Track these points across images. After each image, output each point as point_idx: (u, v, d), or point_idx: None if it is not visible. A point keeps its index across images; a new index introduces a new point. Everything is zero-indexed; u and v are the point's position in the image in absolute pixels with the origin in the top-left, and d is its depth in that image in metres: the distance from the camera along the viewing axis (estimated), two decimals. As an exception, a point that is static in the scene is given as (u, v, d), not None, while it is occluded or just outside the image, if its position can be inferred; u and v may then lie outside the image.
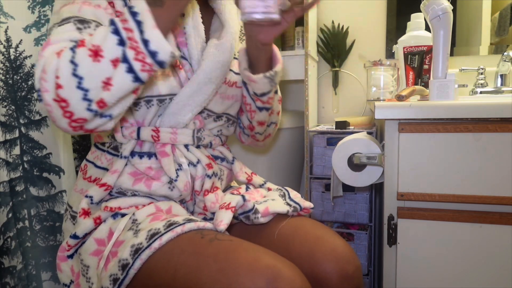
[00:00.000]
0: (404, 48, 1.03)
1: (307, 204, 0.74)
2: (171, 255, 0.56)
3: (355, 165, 0.86)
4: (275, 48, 0.72)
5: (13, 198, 0.93)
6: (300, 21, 1.32)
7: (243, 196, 0.68)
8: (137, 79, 0.52)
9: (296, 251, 0.64)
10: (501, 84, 1.11)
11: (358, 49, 1.45)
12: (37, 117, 0.97)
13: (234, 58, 0.76)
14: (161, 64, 0.52)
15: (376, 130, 1.23)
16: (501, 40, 1.27)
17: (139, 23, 0.50)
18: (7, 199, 0.91)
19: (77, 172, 1.05)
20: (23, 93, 0.94)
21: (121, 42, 0.50)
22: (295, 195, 0.76)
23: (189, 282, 0.53)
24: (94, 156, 0.73)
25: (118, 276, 0.57)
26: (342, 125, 1.20)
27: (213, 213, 0.69)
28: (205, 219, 0.72)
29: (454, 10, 0.76)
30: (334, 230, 1.23)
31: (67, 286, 0.68)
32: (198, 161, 0.69)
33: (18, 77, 0.93)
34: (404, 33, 1.08)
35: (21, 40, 0.92)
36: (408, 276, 0.75)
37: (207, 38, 0.73)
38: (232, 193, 0.75)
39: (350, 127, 1.23)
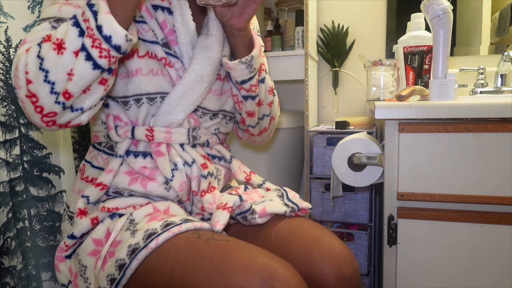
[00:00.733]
0: (404, 48, 1.03)
1: (305, 204, 0.74)
2: (168, 255, 0.56)
3: (355, 165, 0.85)
4: (254, 33, 0.72)
5: (13, 198, 0.93)
6: (300, 21, 1.32)
7: (240, 197, 0.67)
8: (96, 66, 0.53)
9: (293, 252, 0.64)
10: (501, 84, 1.11)
11: (358, 49, 1.45)
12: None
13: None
14: (117, 48, 0.52)
15: (376, 130, 1.22)
16: (501, 40, 1.26)
17: (95, 13, 0.51)
18: (7, 199, 0.91)
19: (77, 172, 1.05)
20: (22, 93, 0.94)
21: (81, 33, 0.52)
22: (293, 195, 0.76)
23: (186, 282, 0.53)
24: (91, 156, 0.73)
25: (115, 276, 0.57)
26: (342, 125, 1.20)
27: (211, 214, 0.69)
28: (203, 219, 0.72)
29: (454, 10, 0.76)
30: (334, 230, 1.24)
31: (65, 287, 0.68)
32: (194, 161, 0.69)
33: (18, 77, 0.93)
34: (404, 33, 1.08)
35: (21, 40, 0.92)
36: (408, 276, 0.75)
37: (199, 35, 0.72)
38: (230, 193, 0.75)
39: (350, 127, 1.23)
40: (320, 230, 0.67)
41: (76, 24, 0.52)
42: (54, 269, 0.68)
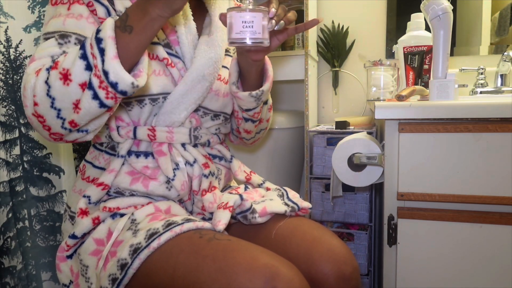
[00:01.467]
0: (404, 48, 1.03)
1: (305, 204, 0.74)
2: (170, 254, 0.56)
3: (355, 165, 0.86)
4: (267, 62, 0.72)
5: (13, 198, 0.93)
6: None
7: (241, 196, 0.68)
8: (103, 105, 0.54)
9: (293, 252, 0.64)
10: (501, 84, 1.11)
11: (358, 49, 1.45)
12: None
13: (227, 54, 0.76)
14: (123, 93, 0.53)
15: (376, 130, 1.23)
16: (501, 40, 1.26)
17: (102, 51, 0.50)
18: (7, 199, 0.91)
19: (77, 172, 1.05)
20: (23, 93, 0.94)
21: (88, 67, 0.52)
22: (293, 195, 0.76)
23: (188, 281, 0.53)
24: (92, 156, 0.73)
25: (117, 276, 0.57)
26: (342, 125, 1.20)
27: (212, 213, 0.69)
28: (204, 219, 0.72)
29: (454, 10, 0.76)
30: (334, 230, 1.24)
31: (66, 287, 0.68)
32: (195, 161, 0.69)
33: (18, 77, 0.93)
34: (404, 33, 1.08)
35: (21, 40, 0.92)
36: (408, 276, 0.75)
37: (200, 35, 0.72)
38: (231, 193, 0.75)
39: (350, 127, 1.23)
40: (320, 230, 0.67)
41: (84, 56, 0.52)
42: (54, 269, 0.68)
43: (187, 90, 0.67)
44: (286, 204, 0.72)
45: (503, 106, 0.66)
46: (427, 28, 0.94)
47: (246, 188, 0.81)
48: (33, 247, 0.98)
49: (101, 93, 0.52)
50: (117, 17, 0.53)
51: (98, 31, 0.52)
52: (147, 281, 0.57)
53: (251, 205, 0.68)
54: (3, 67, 0.90)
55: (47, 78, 0.54)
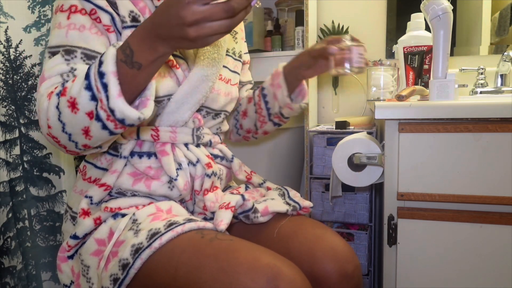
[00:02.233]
0: (404, 48, 1.03)
1: (307, 203, 0.74)
2: (172, 254, 0.56)
3: (355, 165, 0.86)
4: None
5: (13, 198, 0.93)
6: (300, 21, 1.32)
7: (242, 196, 0.68)
8: (112, 133, 0.54)
9: (295, 250, 0.64)
10: (501, 84, 1.11)
11: (358, 49, 1.45)
12: (37, 117, 0.97)
13: (227, 54, 0.77)
14: (132, 125, 0.53)
15: (376, 130, 1.23)
16: (501, 40, 1.27)
17: (105, 86, 0.50)
18: (7, 199, 0.91)
19: (77, 172, 1.05)
20: (23, 93, 0.94)
21: (93, 98, 0.52)
22: (294, 194, 0.77)
23: (190, 281, 0.53)
24: (94, 156, 0.73)
25: (119, 276, 0.57)
26: (342, 125, 1.21)
27: (213, 213, 0.69)
28: (205, 219, 0.72)
29: (454, 10, 0.76)
30: (334, 230, 1.23)
31: (67, 287, 0.68)
32: (198, 161, 0.70)
33: (18, 77, 0.93)
34: (404, 33, 1.08)
35: (21, 40, 0.92)
36: (408, 276, 0.75)
37: None
38: (232, 193, 0.75)
39: (350, 127, 1.23)
40: (322, 229, 0.68)
41: (89, 87, 0.52)
42: (54, 269, 0.68)
43: (191, 90, 0.67)
44: (287, 203, 0.73)
45: (503, 106, 0.66)
46: (427, 28, 0.94)
47: (247, 188, 0.81)
48: (33, 247, 0.98)
49: (110, 125, 0.53)
50: (119, 45, 0.52)
51: (100, 63, 0.50)
52: (148, 281, 0.57)
53: (253, 204, 0.68)
54: (3, 67, 0.90)
55: (58, 104, 0.55)
